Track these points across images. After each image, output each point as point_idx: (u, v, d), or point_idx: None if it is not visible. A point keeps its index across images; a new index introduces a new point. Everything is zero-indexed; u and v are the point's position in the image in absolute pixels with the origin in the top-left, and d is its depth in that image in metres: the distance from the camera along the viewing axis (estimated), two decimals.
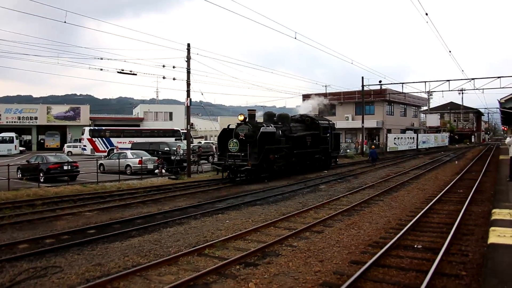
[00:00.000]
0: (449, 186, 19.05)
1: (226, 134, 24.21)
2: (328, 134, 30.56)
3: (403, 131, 63.51)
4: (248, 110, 24.35)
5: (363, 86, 46.80)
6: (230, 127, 24.39)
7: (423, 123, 79.11)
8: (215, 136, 79.51)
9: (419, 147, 58.45)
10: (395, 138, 53.20)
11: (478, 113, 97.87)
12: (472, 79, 37.76)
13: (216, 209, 14.90)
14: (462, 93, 79.14)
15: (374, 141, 55.35)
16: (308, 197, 17.61)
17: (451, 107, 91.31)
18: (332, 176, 25.57)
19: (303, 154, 27.28)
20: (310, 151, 28.07)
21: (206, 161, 37.61)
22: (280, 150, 24.60)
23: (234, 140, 22.93)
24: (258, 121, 25.08)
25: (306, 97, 62.71)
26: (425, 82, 43.12)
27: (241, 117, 23.36)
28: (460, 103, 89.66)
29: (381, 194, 17.57)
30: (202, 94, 35.81)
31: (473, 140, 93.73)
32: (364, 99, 47.77)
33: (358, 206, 14.98)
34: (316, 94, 60.60)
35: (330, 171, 29.33)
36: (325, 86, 74.14)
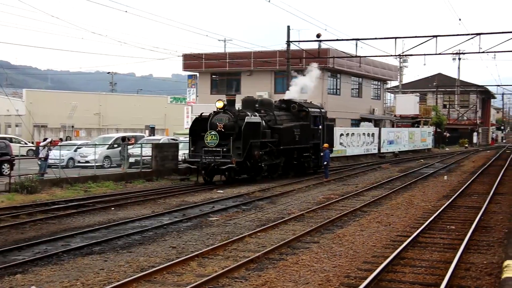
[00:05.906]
0: (432, 218, 13.49)
1: (199, 125, 21.62)
2: (319, 126, 26.21)
3: (356, 123, 43.24)
4: (227, 95, 22.42)
5: (288, 42, 30.92)
6: (203, 115, 21.79)
7: (391, 109, 53.48)
8: (16, 125, 50.94)
9: (382, 150, 40.95)
10: (341, 134, 34.99)
11: (485, 94, 68.70)
12: (477, 34, 26.33)
13: (12, 265, 8.58)
14: (459, 58, 51.80)
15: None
16: (188, 236, 11.57)
17: (439, 83, 61.08)
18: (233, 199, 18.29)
19: (291, 151, 24.09)
20: (299, 148, 24.56)
21: None
22: (265, 146, 22.14)
23: (213, 132, 20.44)
24: (239, 108, 22.57)
25: (188, 58, 40.80)
26: (395, 38, 27.83)
27: (220, 104, 20.78)
28: (456, 76, 59.97)
29: (315, 231, 12.08)
30: None
31: (475, 139, 63.04)
32: (291, 66, 31.38)
33: (275, 253, 9.62)
34: (207, 56, 39.95)
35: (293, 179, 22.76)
36: (224, 41, 47.65)
